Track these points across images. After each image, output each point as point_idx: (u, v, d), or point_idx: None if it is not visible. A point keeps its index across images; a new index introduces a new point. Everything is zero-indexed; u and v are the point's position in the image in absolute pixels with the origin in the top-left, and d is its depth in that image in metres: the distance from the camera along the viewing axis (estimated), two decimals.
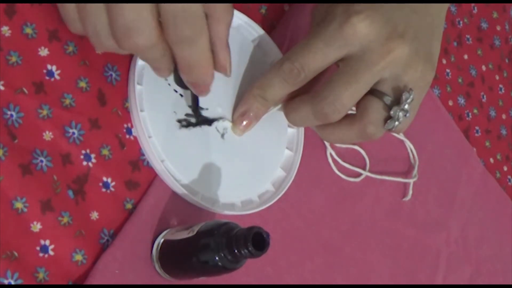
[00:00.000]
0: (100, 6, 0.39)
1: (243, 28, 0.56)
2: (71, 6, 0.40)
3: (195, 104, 0.52)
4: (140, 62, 0.50)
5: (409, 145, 0.68)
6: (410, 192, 0.67)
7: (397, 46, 0.47)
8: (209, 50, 0.43)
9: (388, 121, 0.49)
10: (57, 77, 0.47)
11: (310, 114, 0.49)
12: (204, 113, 0.52)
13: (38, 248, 0.45)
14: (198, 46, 0.42)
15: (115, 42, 0.40)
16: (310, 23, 0.52)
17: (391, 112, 0.49)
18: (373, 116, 0.49)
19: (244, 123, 0.53)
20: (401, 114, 0.48)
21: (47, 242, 0.45)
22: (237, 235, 0.42)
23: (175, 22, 0.40)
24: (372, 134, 0.49)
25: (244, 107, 0.52)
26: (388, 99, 0.49)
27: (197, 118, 0.52)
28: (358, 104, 0.49)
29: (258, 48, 0.57)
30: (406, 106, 0.48)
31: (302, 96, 0.50)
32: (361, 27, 0.47)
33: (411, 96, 0.48)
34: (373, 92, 0.49)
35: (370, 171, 0.64)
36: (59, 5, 0.42)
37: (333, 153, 0.62)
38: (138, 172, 0.50)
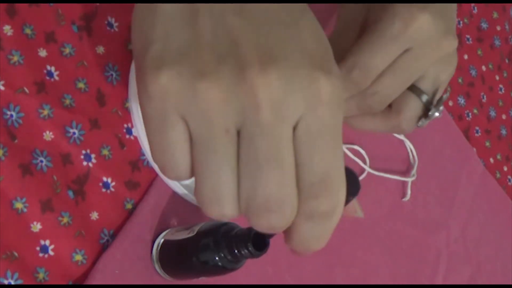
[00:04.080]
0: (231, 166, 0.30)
1: None
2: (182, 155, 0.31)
3: None
4: None
5: (409, 145, 0.68)
6: (409, 191, 0.67)
7: (450, 44, 0.48)
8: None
9: (423, 119, 0.49)
10: (56, 77, 0.47)
11: (354, 105, 0.48)
12: None
13: (38, 248, 0.45)
14: (331, 222, 0.32)
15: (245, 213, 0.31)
16: (338, 19, 0.51)
17: (430, 113, 0.49)
18: (410, 114, 0.49)
19: None
20: (437, 114, 0.49)
21: (47, 242, 0.45)
22: (237, 235, 0.42)
23: (316, 194, 0.31)
24: (405, 130, 0.50)
25: None
26: (425, 97, 0.49)
27: None
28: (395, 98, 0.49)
29: None
30: (442, 107, 0.49)
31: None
32: (425, 23, 0.46)
33: (445, 97, 0.49)
34: (412, 88, 0.49)
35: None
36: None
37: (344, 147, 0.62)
38: (138, 172, 0.50)
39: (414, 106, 0.49)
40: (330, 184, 0.31)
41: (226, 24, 0.30)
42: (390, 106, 0.50)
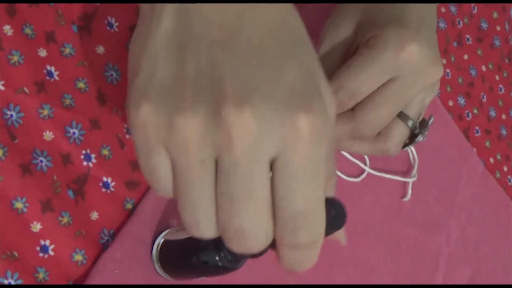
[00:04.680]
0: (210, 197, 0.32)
1: None
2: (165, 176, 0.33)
3: None
4: None
5: None
6: (410, 192, 0.67)
7: (438, 72, 0.49)
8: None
9: (409, 145, 0.52)
10: (57, 77, 0.47)
11: (345, 133, 0.49)
12: None
13: (38, 248, 0.45)
14: (313, 250, 0.34)
15: (224, 239, 0.33)
16: (324, 36, 0.52)
17: (416, 139, 0.51)
18: (397, 139, 0.51)
19: None
20: (421, 138, 0.51)
21: (47, 242, 0.45)
22: None
23: (294, 228, 0.32)
24: (391, 154, 0.51)
25: None
26: (410, 123, 0.51)
27: None
28: None
29: None
30: (426, 132, 0.51)
31: (339, 116, 0.50)
32: (415, 53, 0.47)
33: (430, 122, 0.51)
34: (399, 114, 0.50)
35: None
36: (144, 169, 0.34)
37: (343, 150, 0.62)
38: (138, 172, 0.50)
39: (401, 131, 0.51)
40: (311, 218, 0.32)
41: (211, 58, 0.31)
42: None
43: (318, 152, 0.32)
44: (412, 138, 0.52)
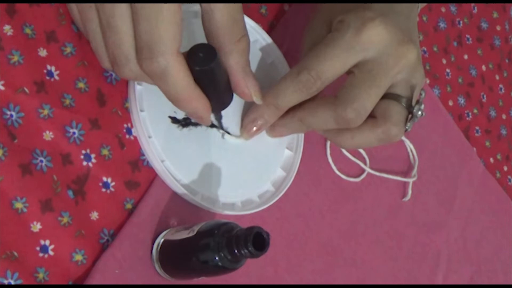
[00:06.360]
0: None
1: None
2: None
3: None
4: None
5: (409, 145, 0.68)
6: (410, 192, 0.67)
7: (409, 51, 0.49)
8: (186, 85, 0.43)
9: (409, 122, 0.51)
10: (57, 77, 0.47)
11: (331, 119, 0.49)
12: None
13: (38, 248, 0.45)
14: (169, 82, 0.42)
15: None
16: (303, 42, 0.53)
17: (414, 111, 0.51)
18: (396, 118, 0.50)
19: (254, 129, 0.53)
20: (420, 113, 0.51)
21: (47, 242, 0.45)
22: (237, 235, 0.42)
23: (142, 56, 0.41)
24: (395, 136, 0.51)
25: (256, 114, 0.52)
26: (404, 101, 0.51)
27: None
28: (376, 109, 0.50)
29: (258, 48, 0.57)
30: (423, 106, 0.51)
31: (319, 101, 0.51)
32: (377, 32, 0.48)
33: (423, 95, 0.51)
34: (390, 96, 0.50)
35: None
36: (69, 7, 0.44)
37: (344, 149, 0.62)
38: (138, 172, 0.50)
39: (398, 110, 0.51)
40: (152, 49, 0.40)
41: None
42: (375, 117, 0.51)
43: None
44: (411, 115, 0.51)
